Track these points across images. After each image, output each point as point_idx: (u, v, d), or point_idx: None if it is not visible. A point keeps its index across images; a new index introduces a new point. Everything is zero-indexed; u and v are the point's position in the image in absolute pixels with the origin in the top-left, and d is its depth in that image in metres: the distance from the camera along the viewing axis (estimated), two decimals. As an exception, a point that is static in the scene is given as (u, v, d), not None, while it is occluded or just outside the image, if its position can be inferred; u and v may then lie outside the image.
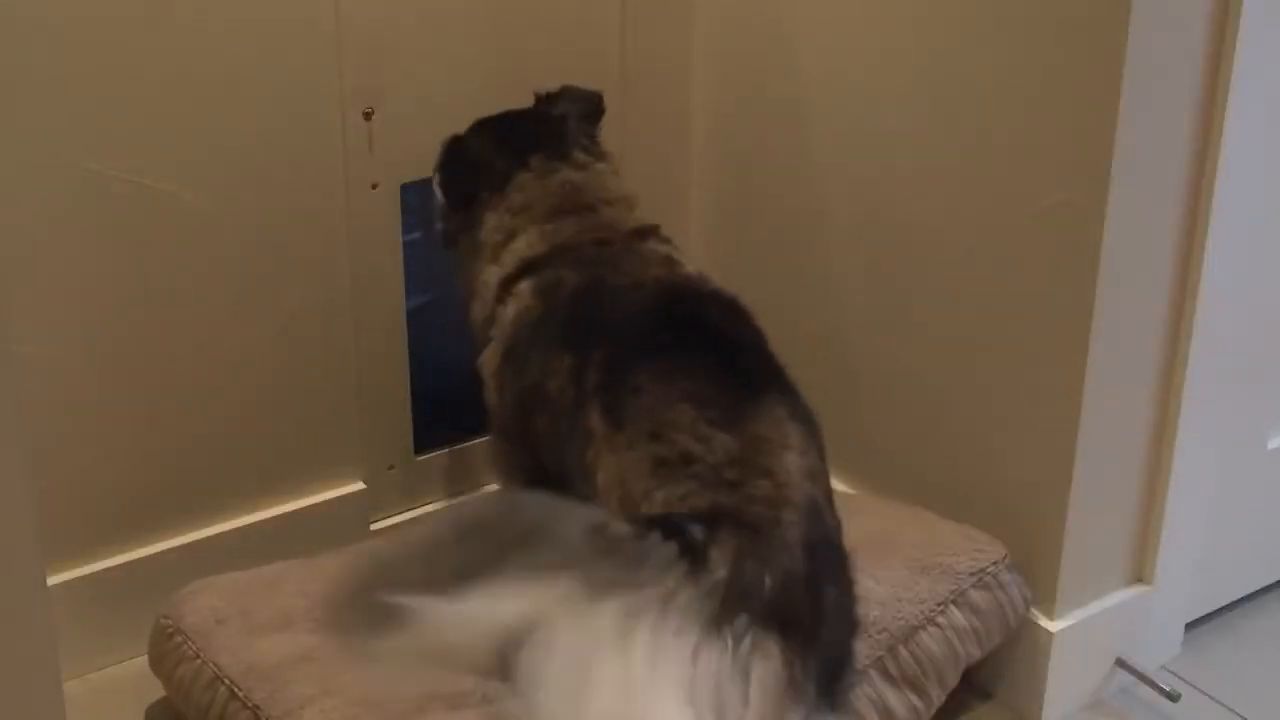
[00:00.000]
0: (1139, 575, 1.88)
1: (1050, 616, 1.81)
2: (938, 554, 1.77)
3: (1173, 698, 1.84)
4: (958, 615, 1.74)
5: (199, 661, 1.67)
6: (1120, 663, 1.87)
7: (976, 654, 1.77)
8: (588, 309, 1.63)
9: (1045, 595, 1.80)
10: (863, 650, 1.67)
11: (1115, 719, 1.86)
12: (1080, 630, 1.82)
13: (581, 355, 1.57)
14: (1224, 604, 2.01)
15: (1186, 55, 1.63)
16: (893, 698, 1.70)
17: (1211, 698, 1.88)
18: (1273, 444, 1.96)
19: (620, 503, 1.46)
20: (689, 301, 1.64)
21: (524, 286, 1.71)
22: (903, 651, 1.71)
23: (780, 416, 1.50)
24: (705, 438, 1.45)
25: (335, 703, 1.58)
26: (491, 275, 1.73)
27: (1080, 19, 1.61)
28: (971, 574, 1.76)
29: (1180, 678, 1.90)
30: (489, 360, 1.73)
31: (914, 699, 1.72)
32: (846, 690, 1.50)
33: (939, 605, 1.74)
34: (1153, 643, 1.91)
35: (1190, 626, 1.96)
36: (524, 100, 1.94)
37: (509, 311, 1.71)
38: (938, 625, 1.73)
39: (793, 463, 1.47)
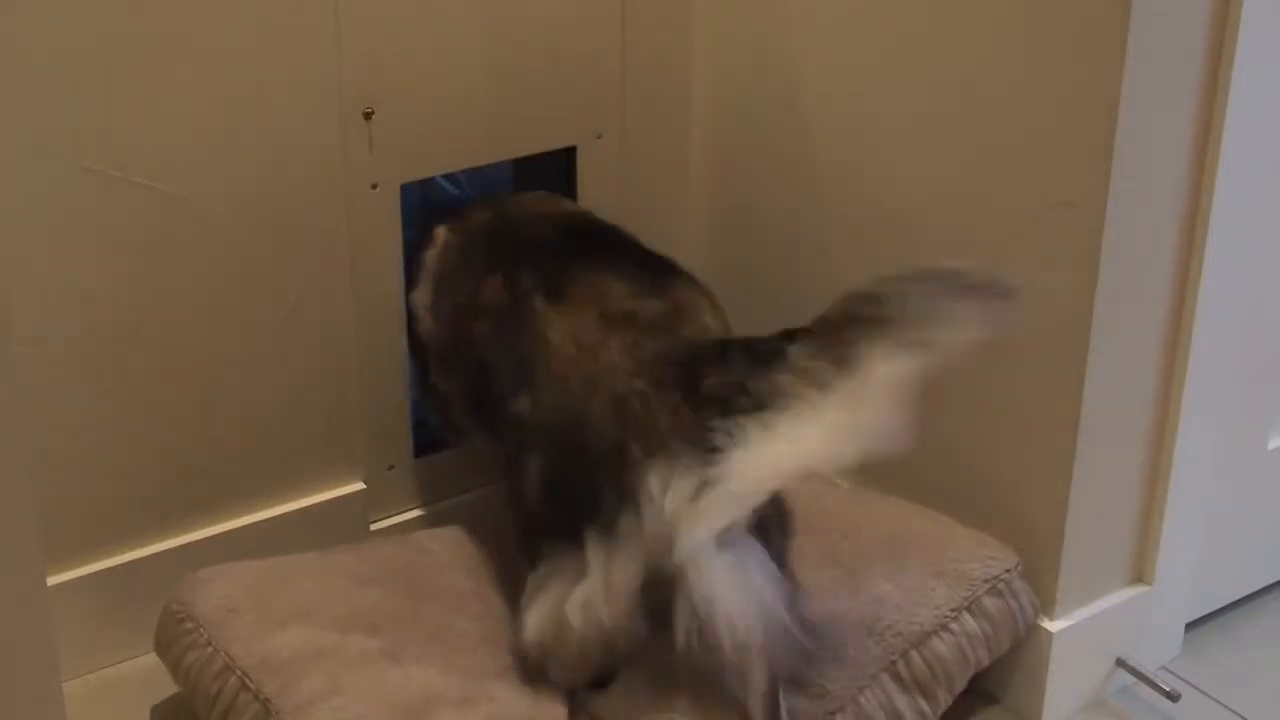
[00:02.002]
0: (1139, 575, 1.88)
1: (1050, 617, 1.81)
2: (953, 559, 1.77)
3: (1173, 698, 1.84)
4: (970, 622, 1.74)
5: (210, 649, 1.67)
6: (1120, 663, 1.87)
7: (985, 660, 1.77)
8: (505, 235, 1.86)
9: (1045, 595, 1.80)
10: (877, 652, 1.69)
11: (1115, 719, 1.86)
12: (1080, 630, 1.82)
13: (510, 273, 1.75)
14: (1224, 604, 2.01)
15: (1186, 55, 1.63)
16: (902, 702, 1.70)
17: (1211, 698, 1.88)
18: (1273, 444, 1.96)
19: (576, 354, 1.62)
20: (593, 226, 1.91)
21: (440, 230, 1.91)
22: (915, 656, 1.71)
23: (694, 292, 1.72)
24: (638, 298, 1.66)
25: (345, 700, 1.58)
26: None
27: (1080, 20, 1.61)
28: (985, 581, 1.76)
29: (1180, 678, 1.90)
30: (421, 296, 1.91)
31: (922, 703, 1.72)
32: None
33: (952, 611, 1.73)
34: (1153, 643, 1.91)
35: (1190, 626, 1.96)
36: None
37: (432, 253, 1.90)
38: (950, 631, 1.73)
39: (710, 324, 1.68)
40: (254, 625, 1.68)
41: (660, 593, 1.48)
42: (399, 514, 2.03)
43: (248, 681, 1.62)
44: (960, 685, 1.75)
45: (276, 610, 1.70)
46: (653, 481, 1.48)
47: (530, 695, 1.68)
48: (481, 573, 1.84)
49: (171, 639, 1.71)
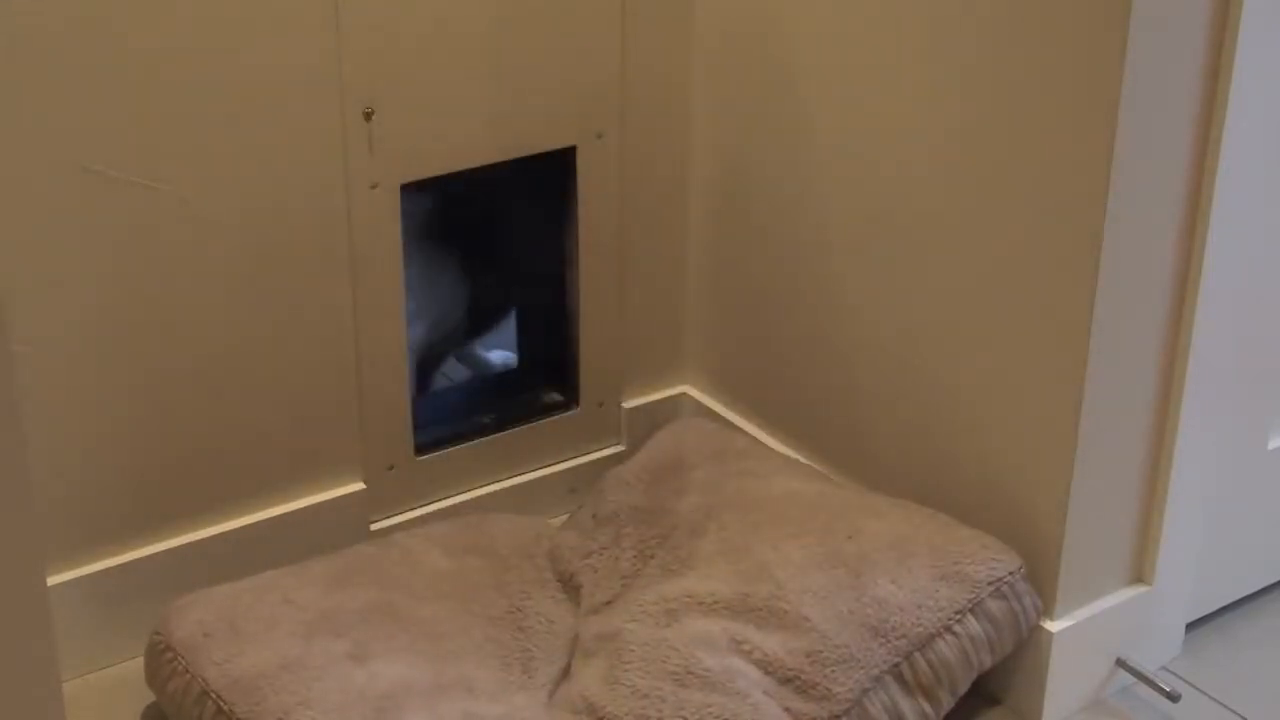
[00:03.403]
0: (1139, 575, 1.88)
1: (1050, 617, 1.81)
2: (956, 561, 1.76)
3: (1173, 698, 1.84)
4: (974, 624, 1.74)
5: (188, 676, 1.68)
6: (1120, 663, 1.87)
7: (989, 663, 1.77)
8: None
9: (1045, 595, 1.80)
10: (881, 654, 1.69)
11: (1115, 719, 1.86)
12: (1080, 630, 1.82)
13: None
14: (1224, 604, 2.01)
15: (1186, 56, 1.63)
16: (906, 706, 1.70)
17: (1211, 698, 1.88)
18: (1273, 444, 1.96)
19: None
20: None
21: None
22: (919, 659, 1.71)
23: None
24: None
25: (315, 712, 1.60)
26: None
27: (1080, 20, 1.61)
28: (989, 583, 1.76)
29: (1180, 678, 1.90)
30: None
31: (926, 706, 1.72)
32: None
33: (957, 614, 1.73)
34: (1153, 643, 1.91)
35: (1190, 627, 1.96)
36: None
37: None
38: (954, 634, 1.73)
39: None
40: (225, 647, 1.69)
41: None
42: (399, 514, 2.03)
43: (222, 704, 1.64)
44: (963, 688, 1.75)
45: (247, 628, 1.71)
46: None
47: (508, 672, 1.69)
48: (456, 559, 1.85)
49: (155, 670, 1.73)
